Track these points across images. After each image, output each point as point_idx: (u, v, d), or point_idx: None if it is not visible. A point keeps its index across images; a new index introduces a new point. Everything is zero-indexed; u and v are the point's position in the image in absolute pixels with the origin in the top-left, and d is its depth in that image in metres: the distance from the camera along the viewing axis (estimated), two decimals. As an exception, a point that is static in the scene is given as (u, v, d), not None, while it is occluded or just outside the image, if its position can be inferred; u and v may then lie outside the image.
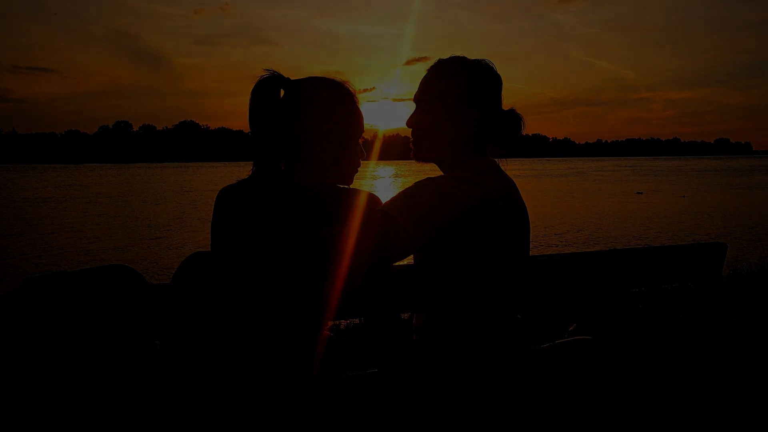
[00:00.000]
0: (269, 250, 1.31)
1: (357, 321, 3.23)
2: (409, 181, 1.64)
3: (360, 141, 1.48)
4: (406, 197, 1.36)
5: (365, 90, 1.52)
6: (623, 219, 19.79)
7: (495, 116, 1.55)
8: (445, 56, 1.57)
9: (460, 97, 1.52)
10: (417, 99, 1.58)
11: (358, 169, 1.49)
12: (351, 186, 1.45)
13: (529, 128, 1.62)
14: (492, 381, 1.44)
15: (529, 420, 1.48)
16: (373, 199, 1.36)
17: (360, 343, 1.60)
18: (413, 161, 1.61)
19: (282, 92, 1.42)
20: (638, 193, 32.99)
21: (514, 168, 1.65)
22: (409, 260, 1.51)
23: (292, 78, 1.43)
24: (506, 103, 1.58)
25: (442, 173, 1.56)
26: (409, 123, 1.59)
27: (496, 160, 1.56)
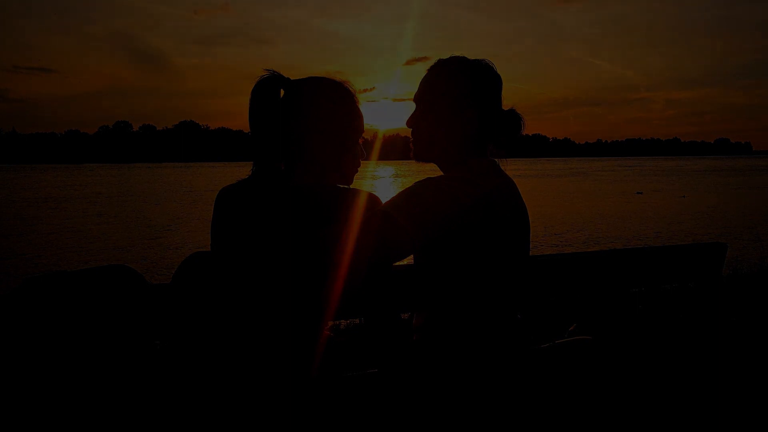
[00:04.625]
0: (269, 250, 1.31)
1: (357, 321, 3.23)
2: (409, 181, 1.64)
3: (360, 141, 1.48)
4: (406, 197, 1.36)
5: (365, 90, 1.52)
6: (623, 219, 19.78)
7: (495, 116, 1.55)
8: (445, 56, 1.57)
9: (460, 97, 1.52)
10: (417, 99, 1.58)
11: (358, 169, 1.49)
12: (351, 186, 1.45)
13: (529, 128, 1.62)
14: (492, 381, 1.44)
15: (529, 420, 1.48)
16: (373, 199, 1.36)
17: (360, 343, 1.60)
18: (413, 161, 1.61)
19: (282, 92, 1.42)
20: (638, 193, 32.99)
21: (514, 168, 1.65)
22: (409, 260, 1.51)
23: (292, 78, 1.43)
24: (506, 103, 1.58)
25: (442, 173, 1.56)
26: (409, 123, 1.59)
27: (496, 160, 1.56)
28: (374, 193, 1.39)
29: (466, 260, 1.42)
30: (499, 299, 1.47)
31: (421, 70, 1.61)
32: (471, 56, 1.56)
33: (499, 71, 1.57)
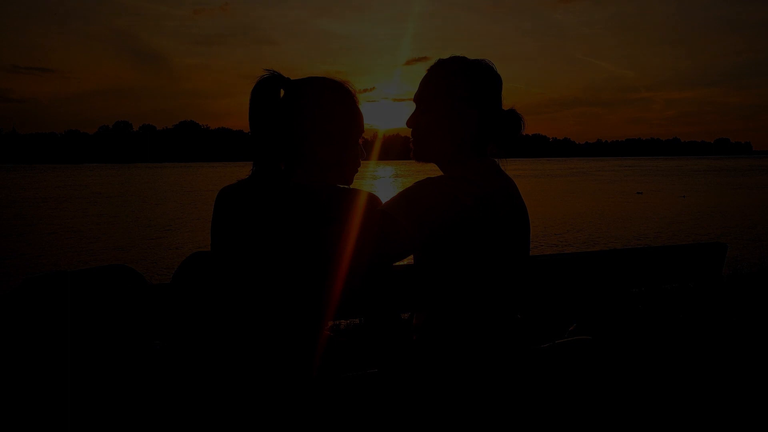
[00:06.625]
0: (269, 250, 1.31)
1: (357, 321, 3.23)
2: (409, 181, 1.64)
3: (360, 141, 1.48)
4: (406, 197, 1.36)
5: (365, 90, 1.52)
6: (623, 219, 19.78)
7: (495, 116, 1.55)
8: (445, 56, 1.57)
9: (460, 98, 1.52)
10: (417, 99, 1.58)
11: (358, 169, 1.49)
12: (351, 186, 1.45)
13: (529, 128, 1.62)
14: (492, 381, 1.44)
15: (529, 420, 1.48)
16: (373, 199, 1.36)
17: (360, 343, 1.60)
18: (413, 161, 1.61)
19: (282, 92, 1.42)
20: (638, 193, 32.99)
21: (514, 168, 1.65)
22: (409, 260, 1.51)
23: (292, 78, 1.43)
24: (506, 103, 1.58)
25: (442, 173, 1.56)
26: (409, 123, 1.59)
27: (496, 160, 1.57)
28: (374, 193, 1.39)
29: (466, 260, 1.42)
30: (499, 299, 1.48)
31: (421, 70, 1.61)
32: (471, 56, 1.56)
33: (499, 71, 1.57)
